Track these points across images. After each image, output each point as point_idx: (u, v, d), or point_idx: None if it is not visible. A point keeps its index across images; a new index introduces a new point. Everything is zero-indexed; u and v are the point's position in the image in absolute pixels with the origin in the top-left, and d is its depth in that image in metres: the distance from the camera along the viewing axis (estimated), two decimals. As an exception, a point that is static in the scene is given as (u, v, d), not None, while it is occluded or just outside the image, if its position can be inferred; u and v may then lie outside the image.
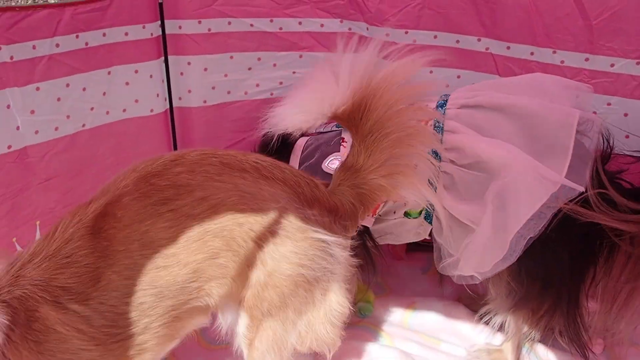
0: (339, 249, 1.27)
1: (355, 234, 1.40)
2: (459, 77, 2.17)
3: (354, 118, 1.33)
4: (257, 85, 2.37)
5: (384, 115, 1.32)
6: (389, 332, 1.80)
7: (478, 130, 1.53)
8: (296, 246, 1.21)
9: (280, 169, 1.28)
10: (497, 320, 1.65)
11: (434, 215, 1.59)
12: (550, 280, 1.51)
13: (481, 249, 1.44)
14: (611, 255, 1.49)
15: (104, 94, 2.03)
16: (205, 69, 2.30)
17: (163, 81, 2.23)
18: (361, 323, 1.85)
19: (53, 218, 2.02)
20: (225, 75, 2.33)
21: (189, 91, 2.32)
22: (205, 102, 2.35)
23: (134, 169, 1.23)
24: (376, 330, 1.81)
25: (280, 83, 2.37)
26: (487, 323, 1.70)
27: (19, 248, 1.94)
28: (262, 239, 1.18)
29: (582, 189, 1.40)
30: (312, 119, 1.34)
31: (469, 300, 1.85)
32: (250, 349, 1.27)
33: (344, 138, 1.71)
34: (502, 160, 1.45)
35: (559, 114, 1.52)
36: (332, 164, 1.67)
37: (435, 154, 1.55)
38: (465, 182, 1.50)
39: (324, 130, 1.83)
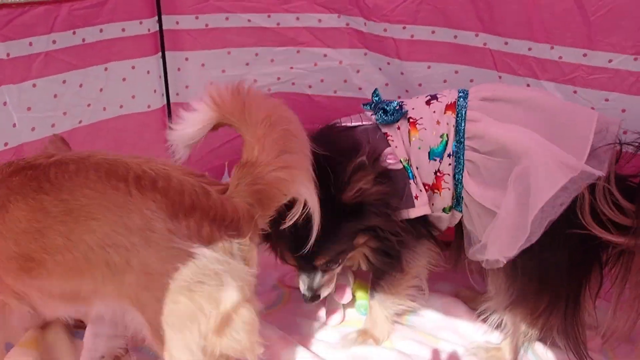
0: (219, 258, 1.23)
1: (256, 235, 1.34)
2: (456, 72, 2.17)
3: (237, 111, 1.32)
4: (255, 80, 2.36)
5: (264, 105, 1.32)
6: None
7: (499, 120, 1.57)
8: (158, 256, 1.21)
9: (166, 179, 1.26)
10: (495, 318, 1.66)
11: (463, 203, 1.62)
12: (548, 280, 1.52)
13: (505, 232, 1.47)
14: (613, 255, 1.50)
15: (101, 90, 2.02)
16: (203, 65, 2.30)
17: (160, 77, 2.23)
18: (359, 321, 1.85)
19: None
20: (223, 71, 2.33)
21: (187, 87, 2.32)
22: (202, 98, 2.36)
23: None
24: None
25: (278, 78, 2.37)
26: (485, 321, 1.70)
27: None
28: (117, 246, 1.21)
29: (601, 173, 1.45)
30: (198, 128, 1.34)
31: (468, 297, 1.86)
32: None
33: (386, 132, 1.69)
34: (523, 146, 1.48)
35: (579, 110, 1.65)
36: (390, 159, 1.64)
37: (458, 143, 1.60)
38: (489, 169, 1.54)
39: (352, 125, 1.75)
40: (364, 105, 1.80)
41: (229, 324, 1.26)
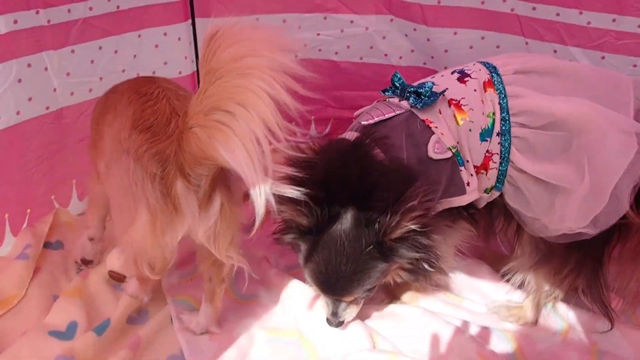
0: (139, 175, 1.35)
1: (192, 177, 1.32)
2: (483, 38, 2.16)
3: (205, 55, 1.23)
4: (284, 46, 2.39)
5: (226, 53, 1.17)
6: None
7: (541, 92, 1.52)
8: (118, 165, 1.41)
9: (163, 99, 1.44)
10: (518, 278, 1.67)
11: (505, 182, 1.57)
12: (575, 242, 1.51)
13: (580, 204, 1.43)
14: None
15: (135, 56, 2.08)
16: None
17: (190, 43, 2.26)
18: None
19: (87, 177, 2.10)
20: (252, 37, 2.36)
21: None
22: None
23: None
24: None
25: (305, 45, 2.37)
26: (508, 281, 1.72)
27: (57, 206, 2.04)
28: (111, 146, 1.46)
29: None
30: None
31: (492, 259, 1.88)
32: None
33: (426, 119, 1.51)
34: (581, 117, 1.44)
35: (613, 75, 1.60)
36: (437, 149, 1.49)
37: (504, 120, 1.52)
38: (543, 143, 1.48)
39: (385, 118, 1.53)
40: (384, 91, 1.62)
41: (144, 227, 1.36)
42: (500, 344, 1.62)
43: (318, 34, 2.36)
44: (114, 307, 1.68)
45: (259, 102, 1.13)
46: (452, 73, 1.62)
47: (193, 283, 1.79)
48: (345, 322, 1.57)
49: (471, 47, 2.20)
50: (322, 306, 1.60)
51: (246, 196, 1.84)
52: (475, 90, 1.55)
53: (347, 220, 1.41)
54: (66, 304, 1.68)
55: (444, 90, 1.53)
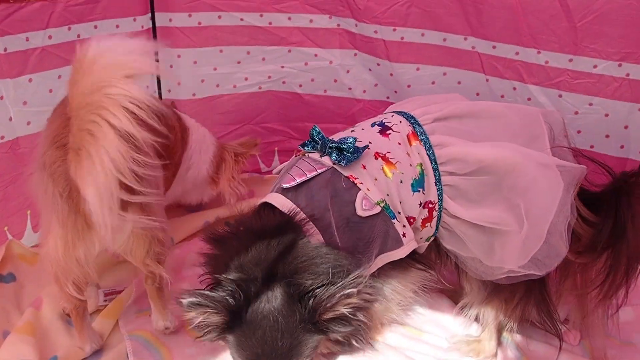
0: None
1: None
2: (444, 74, 2.21)
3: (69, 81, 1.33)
4: (246, 78, 2.40)
5: (79, 86, 1.27)
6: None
7: (460, 137, 1.55)
8: (38, 179, 1.47)
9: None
10: (473, 312, 1.68)
11: (439, 227, 1.59)
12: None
13: (521, 244, 1.45)
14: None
15: (95, 85, 2.05)
16: (195, 62, 2.33)
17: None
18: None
19: (43, 208, 2.04)
20: (215, 69, 2.36)
21: (179, 84, 2.35)
22: (194, 94, 2.38)
23: None
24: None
25: (269, 77, 2.41)
26: (465, 315, 1.74)
27: (9, 237, 1.97)
28: None
29: (585, 168, 1.51)
30: None
31: (451, 291, 1.90)
32: None
33: (350, 175, 1.48)
34: (508, 159, 1.47)
35: (525, 110, 1.65)
36: (365, 206, 1.46)
37: (434, 170, 1.53)
38: (474, 188, 1.51)
39: (307, 178, 1.48)
40: (302, 146, 1.58)
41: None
42: (461, 380, 1.62)
43: (282, 67, 2.39)
44: (67, 344, 1.65)
45: (107, 137, 1.23)
46: (373, 126, 1.60)
47: (150, 319, 1.74)
48: None
49: (433, 83, 2.24)
50: None
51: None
52: (399, 143, 1.54)
53: (276, 297, 1.35)
54: (17, 341, 1.62)
55: (367, 146, 1.50)
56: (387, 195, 1.50)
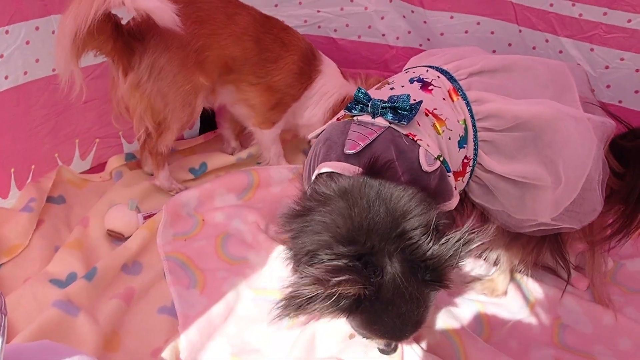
0: None
1: None
2: (478, 23, 2.22)
3: None
4: (283, 21, 2.45)
5: None
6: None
7: (496, 91, 1.56)
8: None
9: None
10: (493, 255, 1.76)
11: (470, 181, 1.58)
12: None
13: (553, 198, 1.49)
14: None
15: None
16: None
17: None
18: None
19: (90, 137, 2.18)
20: (254, 11, 2.42)
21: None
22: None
23: None
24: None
25: (305, 21, 2.45)
26: (486, 258, 1.81)
27: (60, 163, 2.13)
28: None
29: (614, 124, 1.53)
30: None
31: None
32: None
33: (409, 133, 1.41)
34: (545, 116, 1.48)
35: (551, 63, 1.64)
36: (428, 162, 1.40)
37: (473, 126, 1.51)
38: (510, 144, 1.51)
39: (370, 141, 1.38)
40: (348, 109, 1.47)
41: None
42: (470, 314, 1.73)
43: (318, 11, 2.42)
44: (106, 256, 1.81)
45: None
46: (412, 82, 1.55)
47: (186, 243, 1.90)
48: None
49: (466, 32, 2.25)
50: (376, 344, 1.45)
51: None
52: (443, 99, 1.52)
53: (395, 262, 1.21)
54: (66, 255, 1.79)
55: (421, 101, 1.44)
56: (441, 151, 1.47)
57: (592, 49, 2.02)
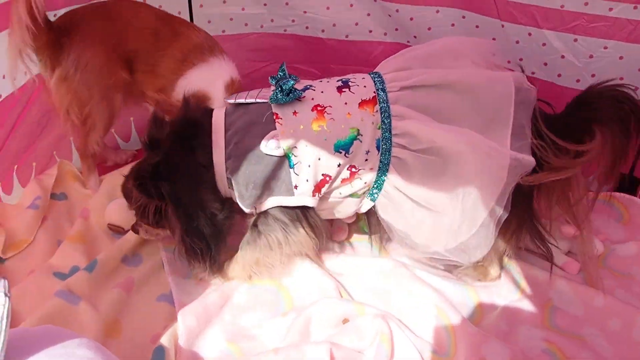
0: None
1: None
2: (463, 17, 2.23)
3: None
4: (272, 20, 2.50)
5: None
6: (387, 249, 1.90)
7: (423, 110, 1.56)
8: None
9: None
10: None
11: (379, 195, 1.64)
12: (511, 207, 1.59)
13: (450, 230, 1.54)
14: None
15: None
16: (224, 1, 2.45)
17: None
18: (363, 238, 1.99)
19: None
20: (243, 9, 2.48)
21: (209, 22, 2.47)
22: (224, 31, 2.51)
23: None
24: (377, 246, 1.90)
25: (293, 21, 2.49)
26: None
27: (58, 160, 2.19)
28: None
29: (533, 161, 1.53)
30: None
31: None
32: None
33: (276, 114, 1.57)
34: (460, 146, 1.49)
35: (497, 84, 1.58)
36: (271, 144, 1.55)
37: (386, 139, 1.56)
38: (420, 166, 1.53)
39: (246, 102, 1.63)
40: (271, 78, 1.65)
41: None
42: (462, 297, 1.75)
43: (305, 12, 2.46)
44: (107, 249, 1.85)
45: None
46: (338, 81, 1.65)
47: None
48: None
49: (453, 25, 2.27)
50: None
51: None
52: (346, 103, 1.58)
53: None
54: (69, 248, 1.85)
55: (302, 92, 1.58)
56: (306, 146, 1.56)
57: (575, 40, 2.03)
